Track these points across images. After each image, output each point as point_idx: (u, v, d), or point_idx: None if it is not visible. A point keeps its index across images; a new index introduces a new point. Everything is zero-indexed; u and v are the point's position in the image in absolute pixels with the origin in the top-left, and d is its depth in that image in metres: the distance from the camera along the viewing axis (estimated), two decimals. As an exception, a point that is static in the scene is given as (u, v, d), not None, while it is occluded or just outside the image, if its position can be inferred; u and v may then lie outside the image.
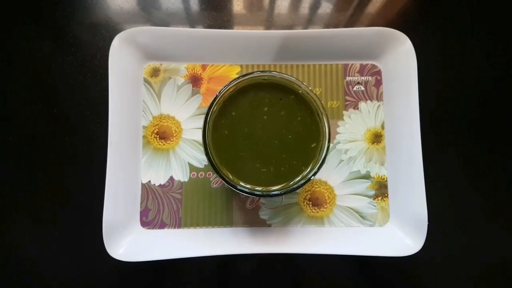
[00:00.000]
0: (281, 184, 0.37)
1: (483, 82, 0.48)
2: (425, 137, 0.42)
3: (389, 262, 0.42)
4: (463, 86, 0.48)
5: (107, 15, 0.48)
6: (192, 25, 0.49)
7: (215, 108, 0.36)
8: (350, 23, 0.49)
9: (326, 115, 0.36)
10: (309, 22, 0.50)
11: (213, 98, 0.36)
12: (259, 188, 0.36)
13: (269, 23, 0.49)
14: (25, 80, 0.46)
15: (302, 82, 0.36)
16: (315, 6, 0.50)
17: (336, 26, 0.49)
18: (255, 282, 0.45)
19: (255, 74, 0.36)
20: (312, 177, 0.35)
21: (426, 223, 0.40)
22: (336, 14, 0.49)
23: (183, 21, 0.49)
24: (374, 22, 0.49)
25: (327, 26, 0.49)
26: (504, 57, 0.49)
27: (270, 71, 0.37)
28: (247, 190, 0.35)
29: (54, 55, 0.47)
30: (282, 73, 0.36)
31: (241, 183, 0.36)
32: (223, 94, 0.36)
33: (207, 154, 0.35)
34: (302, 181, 0.35)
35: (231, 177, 0.36)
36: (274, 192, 0.35)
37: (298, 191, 0.44)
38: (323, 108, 0.36)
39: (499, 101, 0.47)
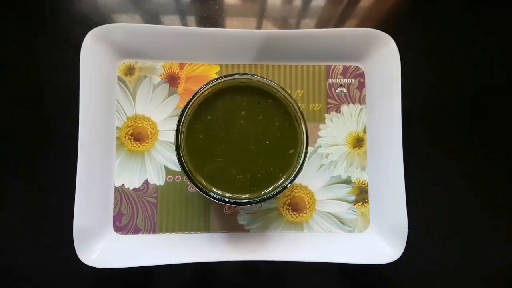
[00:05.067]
0: (257, 191, 0.35)
1: (471, 86, 0.47)
2: (408, 142, 0.41)
3: (368, 269, 0.41)
4: (449, 90, 0.47)
5: (81, 11, 0.46)
6: (175, 20, 0.47)
7: (190, 111, 0.35)
8: (344, 15, 0.48)
9: (304, 121, 0.34)
10: (301, 15, 0.48)
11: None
12: (230, 195, 0.35)
13: (261, 17, 0.47)
14: (-8, 76, 0.44)
15: (281, 87, 0.35)
16: (307, 0, 0.48)
17: (329, 19, 0.48)
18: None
19: (234, 77, 0.35)
20: (289, 185, 0.34)
21: (406, 230, 0.39)
22: (329, 7, 0.48)
23: (163, 17, 0.47)
24: (367, 15, 0.48)
25: (320, 19, 0.48)
26: (493, 59, 0.47)
27: (250, 74, 0.35)
28: (218, 197, 0.34)
29: (25, 53, 0.44)
30: (261, 77, 0.35)
31: (214, 190, 0.35)
32: (198, 97, 0.35)
33: (179, 160, 0.34)
34: (279, 189, 0.34)
35: (204, 183, 0.35)
36: (246, 201, 0.34)
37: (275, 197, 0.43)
38: (301, 113, 0.35)
39: (486, 105, 0.47)
